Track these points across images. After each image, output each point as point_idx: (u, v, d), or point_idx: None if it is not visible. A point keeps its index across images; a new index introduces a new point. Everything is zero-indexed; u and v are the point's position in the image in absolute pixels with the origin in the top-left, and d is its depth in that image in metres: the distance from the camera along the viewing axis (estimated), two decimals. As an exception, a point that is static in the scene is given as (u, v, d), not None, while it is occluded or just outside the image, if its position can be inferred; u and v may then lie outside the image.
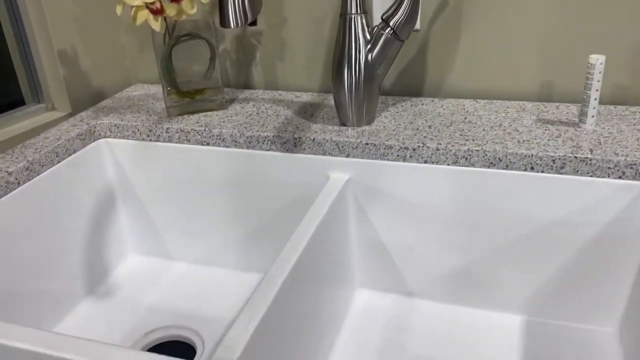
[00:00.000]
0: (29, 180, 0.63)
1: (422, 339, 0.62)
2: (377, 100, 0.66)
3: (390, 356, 0.60)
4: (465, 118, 0.66)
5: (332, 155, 0.64)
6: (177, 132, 0.69)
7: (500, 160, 0.58)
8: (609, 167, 0.54)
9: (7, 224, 0.60)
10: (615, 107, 0.66)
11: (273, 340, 0.46)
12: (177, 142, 0.70)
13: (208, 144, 0.69)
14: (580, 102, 0.68)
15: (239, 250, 0.74)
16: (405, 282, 0.68)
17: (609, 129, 0.60)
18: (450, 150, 0.59)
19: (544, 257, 0.60)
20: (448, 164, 0.60)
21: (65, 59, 0.77)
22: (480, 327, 0.63)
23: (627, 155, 0.54)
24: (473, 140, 0.60)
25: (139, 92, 0.84)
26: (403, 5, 0.61)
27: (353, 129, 0.65)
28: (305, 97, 0.77)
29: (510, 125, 0.63)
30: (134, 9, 0.65)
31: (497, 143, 0.59)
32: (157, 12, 0.65)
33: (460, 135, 0.61)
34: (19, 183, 0.62)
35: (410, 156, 0.61)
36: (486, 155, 0.58)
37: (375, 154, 0.62)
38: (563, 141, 0.58)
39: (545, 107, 0.67)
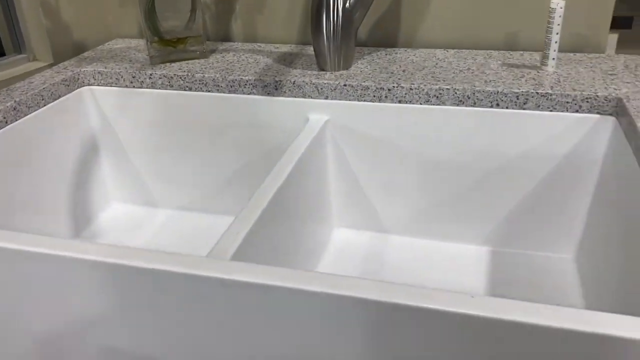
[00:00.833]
0: (16, 120, 0.65)
1: (396, 270, 0.66)
2: (354, 46, 0.70)
3: (366, 283, 0.64)
4: (437, 64, 0.70)
5: (311, 97, 0.67)
6: (160, 78, 0.72)
7: (469, 98, 0.62)
8: (567, 102, 0.59)
9: (-4, 160, 0.62)
10: (574, 54, 0.71)
11: (259, 254, 0.50)
12: (160, 88, 0.72)
13: (190, 89, 0.71)
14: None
15: (222, 196, 0.77)
16: (381, 220, 0.72)
17: (568, 71, 0.65)
18: (423, 90, 0.63)
19: (508, 191, 0.65)
20: (421, 103, 0.64)
21: (49, 10, 0.78)
22: (450, 258, 0.68)
23: (583, 91, 0.59)
24: (444, 81, 0.64)
25: (121, 45, 0.85)
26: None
27: (332, 73, 0.68)
28: (285, 48, 0.80)
29: (478, 69, 0.67)
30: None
31: (466, 83, 0.63)
32: (141, -42, 0.67)
33: (432, 77, 0.65)
34: (6, 122, 0.63)
35: (386, 96, 0.64)
36: (456, 93, 0.62)
37: (353, 95, 0.65)
38: (526, 80, 0.63)
39: (511, 54, 0.72)
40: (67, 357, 0.47)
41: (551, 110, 0.60)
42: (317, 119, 0.67)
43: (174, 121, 0.74)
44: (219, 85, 0.70)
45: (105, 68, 0.74)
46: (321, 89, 0.66)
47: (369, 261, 0.68)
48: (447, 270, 0.66)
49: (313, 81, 0.66)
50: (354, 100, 0.66)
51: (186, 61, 0.76)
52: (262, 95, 0.69)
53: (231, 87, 0.69)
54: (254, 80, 0.68)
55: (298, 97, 0.67)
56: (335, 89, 0.66)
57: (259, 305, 0.39)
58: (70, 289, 0.44)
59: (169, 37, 0.75)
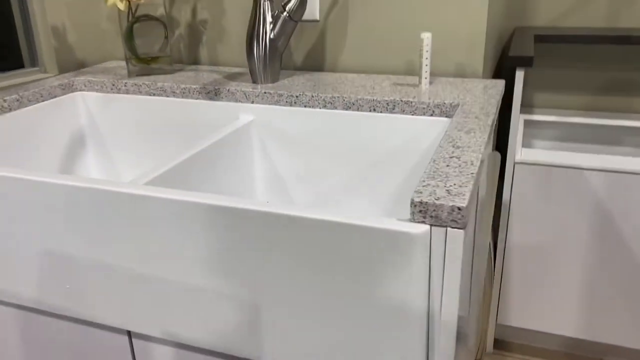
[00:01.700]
0: (18, 109, 0.86)
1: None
2: (279, 66, 0.89)
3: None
4: (343, 82, 0.89)
5: (241, 102, 0.87)
6: (132, 86, 0.93)
7: (354, 104, 0.80)
8: (423, 108, 0.77)
9: (-1, 135, 0.83)
10: (454, 79, 0.89)
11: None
12: (132, 94, 0.93)
13: (154, 95, 0.92)
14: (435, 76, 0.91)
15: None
16: (292, 198, 0.89)
17: (436, 88, 0.83)
18: (321, 97, 0.82)
19: (386, 177, 0.82)
20: (320, 108, 0.82)
21: (57, 34, 1.02)
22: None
23: (436, 99, 0.77)
24: (339, 92, 0.83)
25: (114, 64, 1.08)
26: (294, -5, 0.85)
27: (260, 85, 0.88)
28: (237, 69, 1.00)
29: (371, 86, 0.86)
30: (106, -8, 0.89)
31: (353, 94, 0.81)
32: (122, -5, 0.90)
33: (332, 89, 0.84)
34: (10, 109, 0.85)
35: (295, 102, 0.83)
36: (344, 100, 0.81)
37: (271, 100, 0.85)
38: (399, 93, 0.81)
39: (405, 78, 0.90)
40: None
41: (413, 114, 0.78)
42: (244, 118, 0.86)
43: (142, 119, 0.94)
44: (174, 92, 0.90)
45: (94, 78, 0.96)
46: (248, 95, 0.86)
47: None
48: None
49: (243, 89, 0.86)
50: (272, 104, 0.85)
51: (156, 75, 0.97)
52: (205, 99, 0.89)
53: (183, 93, 0.90)
54: (199, 88, 0.88)
55: (231, 101, 0.87)
56: (258, 95, 0.85)
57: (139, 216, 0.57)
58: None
59: (145, 56, 0.97)
